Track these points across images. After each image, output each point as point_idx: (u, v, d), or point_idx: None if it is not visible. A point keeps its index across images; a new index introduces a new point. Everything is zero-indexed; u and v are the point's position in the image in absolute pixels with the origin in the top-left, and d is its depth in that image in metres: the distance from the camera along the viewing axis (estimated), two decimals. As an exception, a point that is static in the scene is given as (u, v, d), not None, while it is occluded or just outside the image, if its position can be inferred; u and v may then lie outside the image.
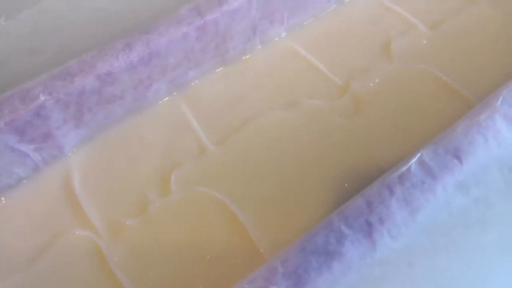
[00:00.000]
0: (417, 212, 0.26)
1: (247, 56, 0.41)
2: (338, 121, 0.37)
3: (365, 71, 0.40)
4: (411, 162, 0.27)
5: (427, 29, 0.43)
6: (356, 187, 0.34)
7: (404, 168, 0.27)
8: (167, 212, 0.34)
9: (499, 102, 0.29)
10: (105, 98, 0.35)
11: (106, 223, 0.33)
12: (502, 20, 0.44)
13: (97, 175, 0.36)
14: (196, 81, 0.40)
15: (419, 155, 0.28)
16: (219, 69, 0.41)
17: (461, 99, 0.38)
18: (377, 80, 0.39)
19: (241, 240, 0.31)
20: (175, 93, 0.39)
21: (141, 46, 0.35)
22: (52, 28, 0.41)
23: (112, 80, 0.34)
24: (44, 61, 0.38)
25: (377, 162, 0.35)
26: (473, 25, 0.43)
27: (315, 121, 0.37)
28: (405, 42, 0.42)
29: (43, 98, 0.33)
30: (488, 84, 0.38)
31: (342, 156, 0.36)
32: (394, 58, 0.41)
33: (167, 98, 0.39)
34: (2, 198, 0.33)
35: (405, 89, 0.39)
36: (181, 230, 0.32)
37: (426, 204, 0.26)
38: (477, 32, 0.43)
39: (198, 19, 0.36)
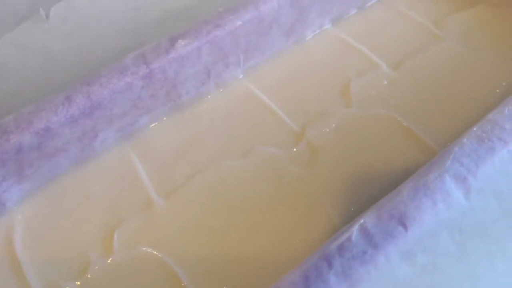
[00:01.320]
0: (357, 286, 0.24)
1: (202, 101, 0.40)
2: (293, 172, 0.35)
3: (323, 116, 0.38)
4: (353, 229, 0.26)
5: (390, 69, 0.41)
6: (311, 245, 0.32)
7: (345, 237, 0.25)
8: (108, 274, 0.32)
9: (449, 161, 0.28)
10: (46, 152, 0.34)
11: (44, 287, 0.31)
12: (469, 59, 0.42)
13: (39, 232, 0.34)
14: (147, 129, 0.38)
15: (361, 221, 0.26)
16: (172, 115, 0.39)
17: (424, 147, 0.37)
18: (334, 126, 0.38)
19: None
20: (124, 142, 0.38)
21: (81, 99, 0.33)
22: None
23: (51, 135, 0.33)
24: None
25: (331, 217, 0.33)
26: (438, 64, 0.42)
27: (268, 172, 0.36)
28: (366, 83, 0.40)
29: (-24, 158, 0.31)
30: (451, 130, 0.37)
31: (295, 211, 0.34)
32: (353, 102, 0.39)
33: (116, 148, 0.38)
34: None
35: (363, 136, 0.37)
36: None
37: (367, 277, 0.25)
38: (443, 72, 0.41)
39: (143, 68, 0.35)
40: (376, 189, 0.34)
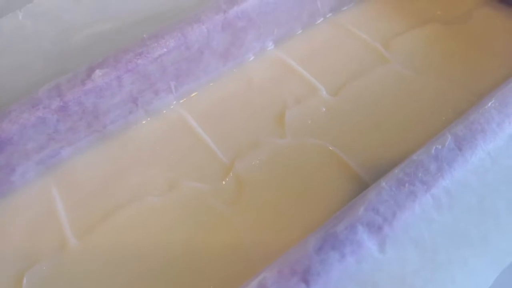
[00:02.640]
0: None
1: (131, 130, 0.38)
2: (217, 209, 0.34)
3: (254, 147, 0.36)
4: (252, 285, 0.24)
5: (329, 94, 0.39)
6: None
7: (242, 295, 0.23)
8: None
9: (362, 208, 0.26)
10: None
11: None
12: (415, 83, 0.40)
13: None
14: (71, 160, 0.36)
15: (261, 277, 0.24)
16: (97, 146, 0.37)
17: (359, 182, 0.34)
18: (264, 158, 0.35)
19: None
20: (47, 175, 0.36)
21: (-12, 135, 0.31)
22: None
23: (-42, 173, 0.31)
24: None
25: (251, 258, 0.31)
26: (381, 89, 0.40)
27: (192, 209, 0.34)
28: (303, 111, 0.38)
29: None
30: (391, 164, 0.34)
31: (219, 251, 0.32)
32: (287, 132, 0.37)
33: (38, 181, 0.36)
34: None
35: (295, 169, 0.35)
36: None
37: None
38: (386, 98, 0.39)
39: (57, 101, 0.33)
40: (301, 230, 0.32)
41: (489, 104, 0.30)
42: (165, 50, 0.35)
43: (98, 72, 0.33)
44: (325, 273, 0.24)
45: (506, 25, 0.44)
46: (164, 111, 0.39)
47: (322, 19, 0.45)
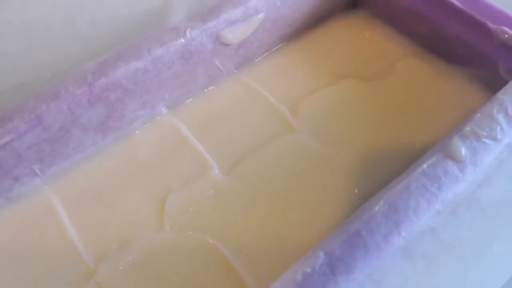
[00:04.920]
0: None
1: None
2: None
3: (124, 245, 0.31)
4: None
5: (221, 173, 0.35)
6: None
7: None
8: None
9: None
10: None
11: None
12: (320, 157, 0.35)
13: None
14: None
15: None
16: None
17: (242, 285, 0.29)
18: (131, 259, 0.30)
19: None
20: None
21: None
22: None
23: None
24: None
25: None
26: (280, 167, 0.35)
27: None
28: (188, 195, 0.33)
29: None
30: (280, 265, 0.29)
31: None
32: (166, 223, 0.32)
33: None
34: None
35: (168, 271, 0.30)
36: None
37: None
38: (284, 178, 0.34)
39: None
40: None
41: (376, 208, 0.25)
42: (15, 135, 0.30)
43: None
44: None
45: (433, 84, 0.40)
46: (32, 195, 0.34)
47: (224, 77, 0.40)
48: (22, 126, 0.31)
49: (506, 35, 0.36)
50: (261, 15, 0.38)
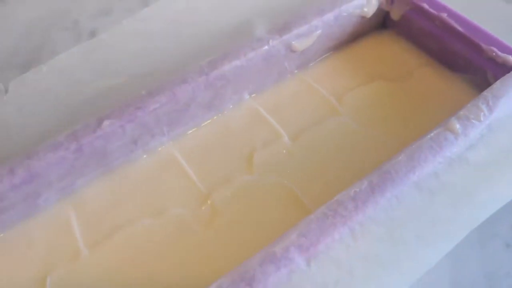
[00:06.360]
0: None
1: (130, 165, 0.48)
2: (195, 230, 0.44)
3: (227, 181, 0.47)
4: (211, 288, 0.34)
5: (290, 140, 0.50)
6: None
7: (204, 294, 0.34)
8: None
9: (295, 234, 0.36)
10: (-4, 211, 0.42)
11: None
12: (359, 134, 0.50)
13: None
14: (83, 189, 0.47)
15: (218, 282, 0.34)
16: (104, 178, 0.47)
17: (306, 213, 0.44)
18: (234, 191, 0.46)
19: None
20: (64, 200, 0.46)
21: (22, 170, 0.42)
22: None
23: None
24: None
25: (218, 269, 0.41)
26: (331, 138, 0.50)
27: (176, 229, 0.44)
28: (268, 153, 0.49)
29: None
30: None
31: (190, 266, 0.42)
32: (254, 170, 0.47)
33: (57, 204, 0.46)
34: None
35: (258, 200, 0.45)
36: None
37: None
38: (334, 145, 0.49)
39: (74, 144, 0.43)
40: (258, 247, 0.42)
41: (400, 157, 0.41)
42: (158, 105, 0.46)
43: (106, 122, 0.44)
44: (265, 280, 0.35)
45: (441, 86, 0.55)
46: (159, 149, 0.50)
47: (289, 75, 0.55)
48: (163, 98, 0.47)
49: (494, 53, 0.51)
50: (319, 31, 0.54)
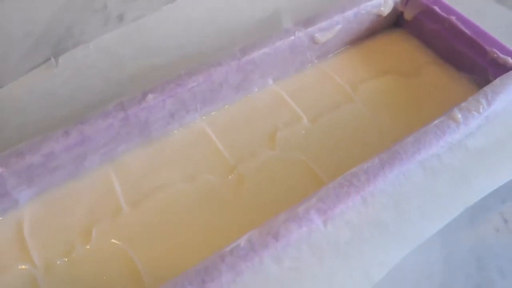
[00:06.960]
0: (240, 276, 0.39)
1: (167, 137, 0.54)
2: (224, 195, 0.50)
3: (252, 155, 0.53)
4: (242, 239, 0.40)
5: (309, 122, 0.56)
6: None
7: (236, 243, 0.40)
8: (86, 257, 0.46)
9: (315, 199, 0.42)
10: (49, 168, 0.48)
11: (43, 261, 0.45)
12: (371, 120, 0.56)
13: (41, 223, 0.48)
14: (124, 155, 0.53)
15: (249, 234, 0.40)
16: (143, 146, 0.53)
17: (320, 185, 0.50)
18: (259, 164, 0.52)
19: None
20: (106, 163, 0.52)
21: (76, 133, 0.48)
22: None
23: (53, 157, 0.47)
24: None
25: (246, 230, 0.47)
26: (346, 121, 0.56)
27: (206, 194, 0.50)
28: (289, 132, 0.55)
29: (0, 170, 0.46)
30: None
31: (221, 227, 0.48)
32: (276, 146, 0.54)
33: (100, 167, 0.52)
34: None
35: (280, 174, 0.51)
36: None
37: (247, 270, 0.39)
38: (348, 128, 0.55)
39: (121, 113, 0.49)
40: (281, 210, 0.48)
41: (408, 139, 0.47)
42: (196, 83, 0.52)
43: (150, 96, 0.50)
44: (288, 235, 0.41)
45: (446, 82, 0.61)
46: (191, 124, 0.56)
47: (310, 64, 0.61)
48: (200, 78, 0.53)
49: (495, 55, 0.57)
50: (339, 26, 0.60)
